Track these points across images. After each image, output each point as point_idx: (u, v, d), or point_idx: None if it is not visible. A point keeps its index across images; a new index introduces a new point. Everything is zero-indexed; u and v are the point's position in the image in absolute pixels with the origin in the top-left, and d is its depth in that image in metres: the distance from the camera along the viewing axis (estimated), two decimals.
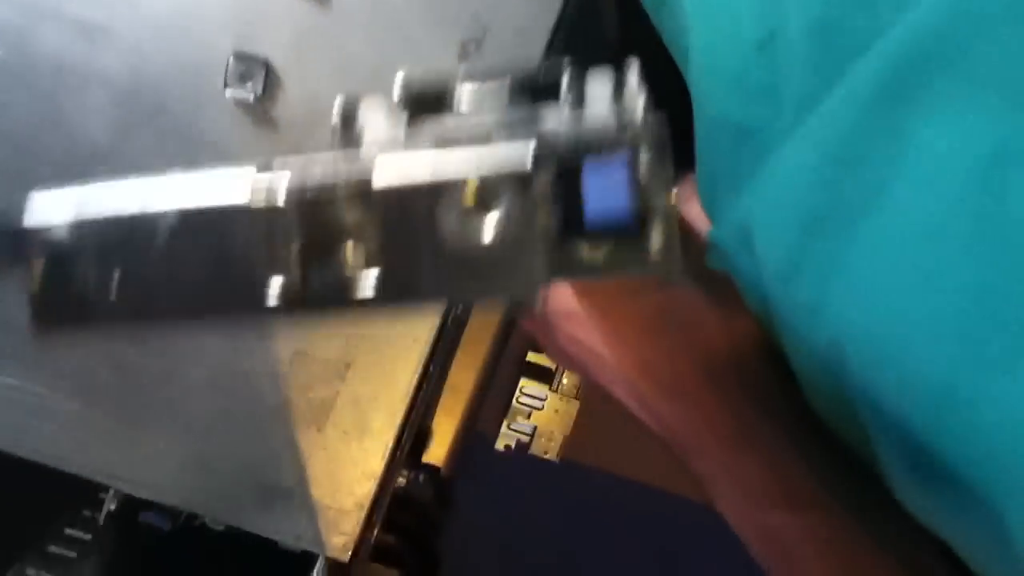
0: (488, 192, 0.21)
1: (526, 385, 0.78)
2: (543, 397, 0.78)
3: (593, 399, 0.78)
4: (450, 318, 0.50)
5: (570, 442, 0.77)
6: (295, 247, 0.22)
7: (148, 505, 0.49)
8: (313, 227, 0.22)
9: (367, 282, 0.21)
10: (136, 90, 0.48)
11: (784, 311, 0.40)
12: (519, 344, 0.76)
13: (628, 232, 0.21)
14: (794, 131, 0.34)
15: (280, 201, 0.22)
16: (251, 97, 0.47)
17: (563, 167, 0.21)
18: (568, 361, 0.51)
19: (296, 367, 0.49)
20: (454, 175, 0.21)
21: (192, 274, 0.22)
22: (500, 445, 0.77)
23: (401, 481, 0.51)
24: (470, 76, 0.23)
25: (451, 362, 0.54)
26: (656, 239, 0.21)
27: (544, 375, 0.79)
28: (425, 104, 0.24)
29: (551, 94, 0.23)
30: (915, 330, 0.30)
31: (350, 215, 0.22)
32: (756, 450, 0.42)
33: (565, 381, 0.78)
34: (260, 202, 0.22)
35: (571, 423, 0.77)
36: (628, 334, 0.45)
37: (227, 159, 0.47)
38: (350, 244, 0.22)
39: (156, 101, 0.48)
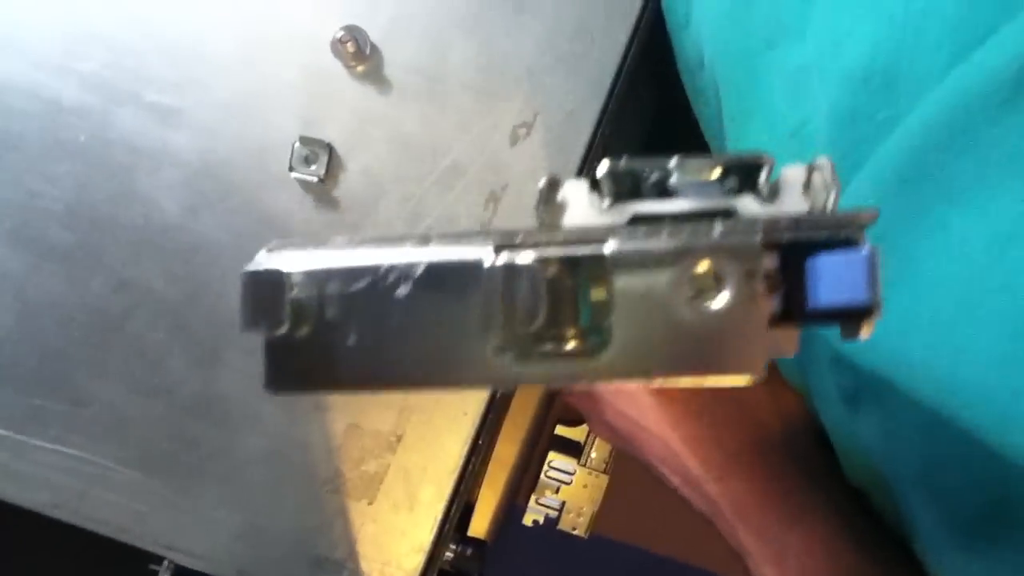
0: (716, 276, 0.22)
1: (555, 459, 0.78)
2: (572, 471, 0.78)
3: (622, 474, 0.78)
4: (499, 392, 0.51)
5: (599, 517, 0.77)
6: (534, 314, 0.22)
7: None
8: (551, 295, 0.23)
9: (602, 357, 0.22)
10: (206, 170, 0.50)
11: (826, 394, 0.41)
12: (549, 417, 0.76)
13: (850, 320, 0.22)
14: None
15: (529, 259, 0.22)
16: (315, 179, 0.49)
17: (788, 251, 0.22)
18: (614, 436, 0.52)
19: (349, 439, 0.50)
20: (690, 249, 0.22)
21: (426, 335, 0.23)
22: (528, 520, 0.76)
23: (448, 555, 0.51)
24: (676, 165, 0.24)
25: (497, 435, 0.55)
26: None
27: (573, 449, 0.79)
28: (623, 190, 0.25)
29: (747, 183, 0.24)
30: (951, 399, 0.31)
31: (583, 286, 0.23)
32: (804, 525, 0.42)
33: (594, 455, 0.78)
34: (509, 261, 0.22)
35: (600, 498, 0.76)
36: (677, 410, 0.46)
37: (292, 236, 0.50)
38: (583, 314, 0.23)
39: (225, 181, 0.50)
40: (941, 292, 0.31)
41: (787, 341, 0.24)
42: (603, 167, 0.24)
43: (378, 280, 0.23)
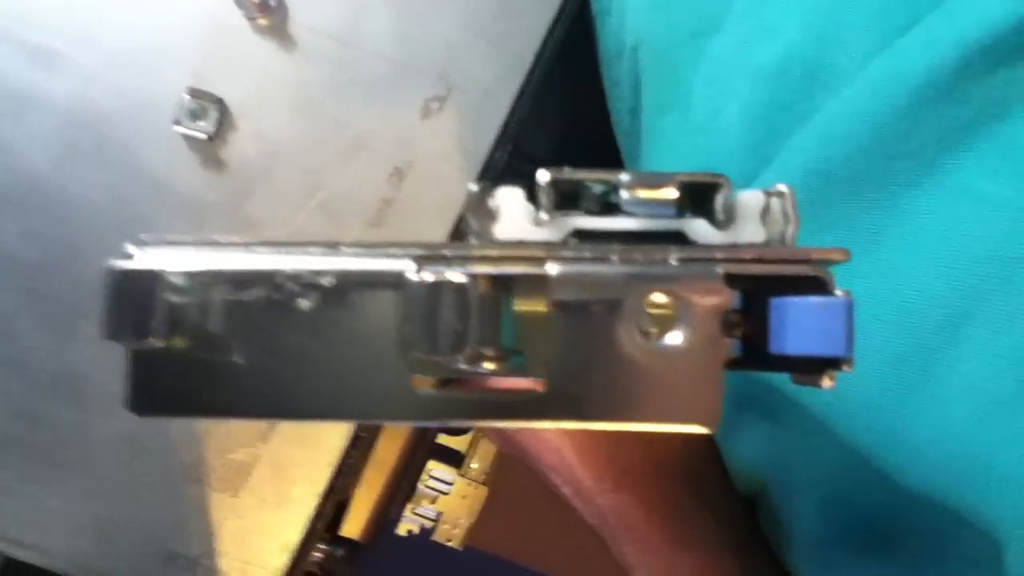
0: (671, 310, 0.19)
1: (434, 468, 0.75)
2: (451, 481, 0.75)
3: (502, 486, 0.75)
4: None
5: (475, 529, 0.74)
6: (461, 341, 0.19)
7: (35, 571, 0.44)
8: (483, 318, 0.19)
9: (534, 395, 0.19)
10: (82, 120, 0.45)
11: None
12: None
13: (814, 369, 0.19)
14: None
15: (461, 278, 0.19)
16: (203, 136, 0.45)
17: (752, 287, 0.20)
18: (506, 442, 0.49)
19: (216, 426, 0.46)
20: (644, 277, 0.19)
21: (330, 358, 0.19)
22: (403, 530, 0.73)
23: (317, 555, 0.48)
24: (634, 180, 0.21)
25: (380, 431, 0.51)
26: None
27: (454, 458, 0.76)
28: (563, 201, 0.22)
29: (700, 206, 0.21)
30: (842, 415, 0.32)
31: (523, 313, 0.20)
32: (693, 550, 0.41)
33: (475, 466, 0.76)
34: (438, 276, 0.19)
35: (478, 510, 0.74)
36: None
37: (172, 198, 0.45)
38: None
39: (102, 133, 0.45)
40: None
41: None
42: (544, 175, 0.21)
43: (276, 289, 0.19)
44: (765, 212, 0.22)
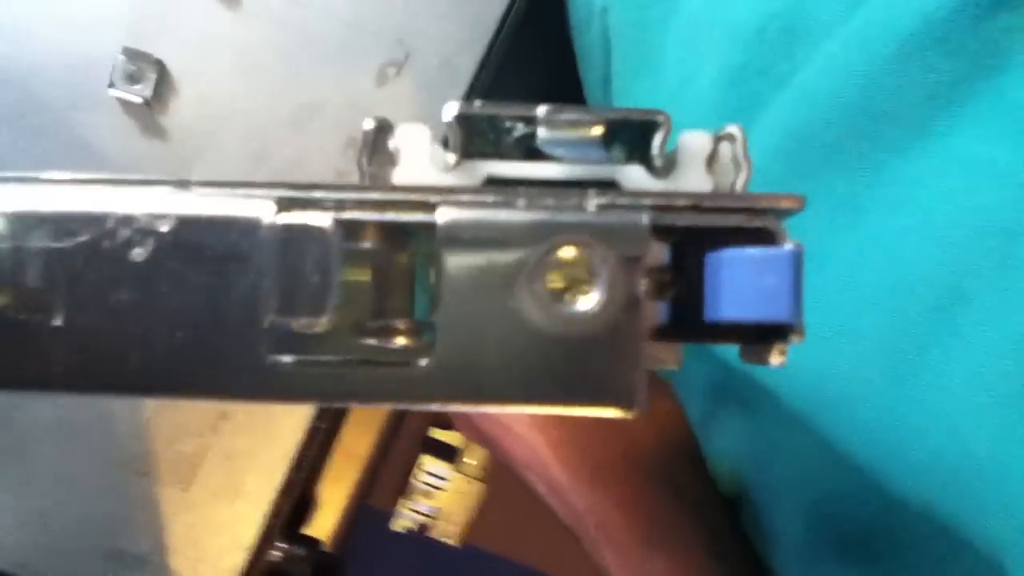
0: (584, 267, 0.16)
1: (427, 463, 0.72)
2: (446, 477, 0.72)
3: (499, 482, 0.72)
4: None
5: (473, 527, 0.71)
6: (321, 301, 0.16)
7: None
8: (359, 272, 0.17)
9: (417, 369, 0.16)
10: (6, 81, 0.42)
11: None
12: (419, 417, 0.70)
13: (759, 341, 0.16)
14: None
15: (325, 222, 0.16)
16: (140, 100, 0.41)
17: (684, 241, 0.17)
18: (480, 437, 0.47)
19: (162, 414, 0.43)
20: (552, 226, 0.16)
21: (169, 320, 0.16)
22: (398, 526, 0.70)
23: (276, 554, 0.44)
24: (552, 114, 0.17)
25: (343, 421, 0.48)
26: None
27: (447, 453, 0.73)
28: (480, 145, 0.18)
29: (639, 149, 0.18)
30: (828, 412, 0.29)
31: (403, 270, 0.17)
32: (669, 553, 0.39)
33: (472, 461, 0.72)
34: (298, 221, 0.16)
35: (475, 506, 0.71)
36: (551, 416, 0.42)
37: (106, 166, 0.42)
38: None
39: (30, 95, 0.42)
40: (823, 277, 0.28)
41: (669, 354, 0.18)
42: (451, 109, 0.18)
43: (105, 235, 0.16)
44: (713, 159, 0.18)
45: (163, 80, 0.42)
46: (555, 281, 0.16)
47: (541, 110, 0.18)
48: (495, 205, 0.16)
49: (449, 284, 0.16)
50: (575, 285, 0.16)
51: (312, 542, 0.47)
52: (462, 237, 0.16)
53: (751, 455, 0.36)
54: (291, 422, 0.43)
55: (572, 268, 0.16)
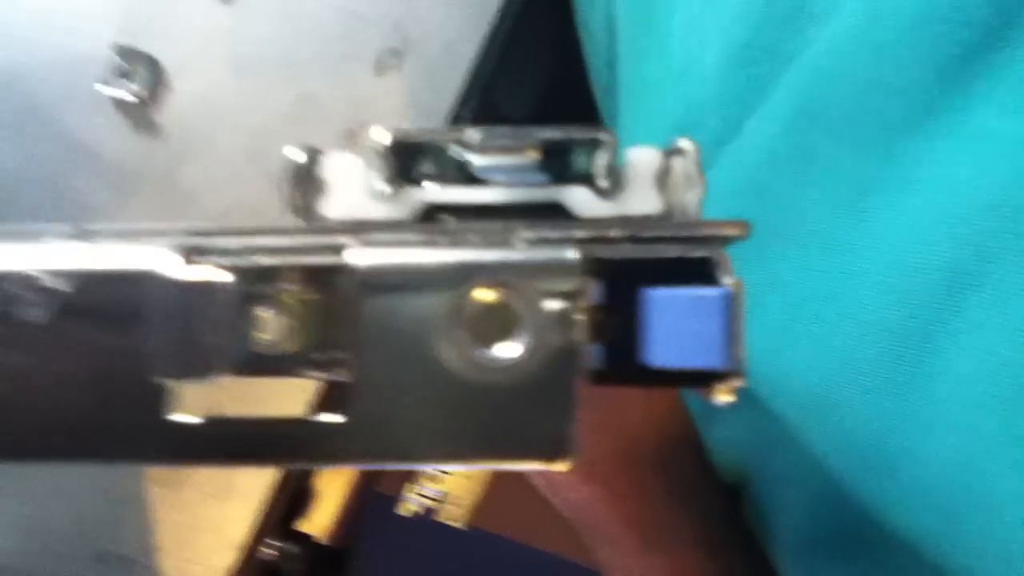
0: (503, 312, 0.15)
1: None
2: None
3: None
4: None
5: (480, 509, 0.71)
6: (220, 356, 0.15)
7: None
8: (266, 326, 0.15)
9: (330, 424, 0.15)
10: (3, 82, 0.41)
11: None
12: None
13: (700, 383, 0.15)
14: (713, 164, 0.32)
15: (227, 277, 0.15)
16: (134, 99, 0.41)
17: (613, 284, 0.15)
18: None
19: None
20: (469, 268, 0.15)
21: (71, 384, 0.15)
22: (405, 511, 0.70)
23: (270, 552, 0.44)
24: (485, 139, 0.16)
25: None
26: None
27: None
28: (410, 168, 0.17)
29: (584, 170, 0.17)
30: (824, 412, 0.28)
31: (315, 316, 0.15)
32: (666, 551, 0.38)
33: None
34: (198, 277, 0.15)
35: (482, 489, 0.70)
36: None
37: (97, 165, 0.41)
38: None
39: (21, 97, 0.41)
40: (828, 262, 0.27)
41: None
42: (379, 135, 0.17)
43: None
44: (664, 175, 0.17)
45: (157, 77, 0.41)
46: (478, 326, 0.15)
47: (473, 135, 0.16)
48: (415, 244, 0.15)
49: (366, 331, 0.15)
50: (499, 329, 0.15)
51: (307, 539, 0.46)
52: (377, 281, 0.15)
53: (752, 445, 0.35)
54: (289, 413, 0.43)
55: (495, 312, 0.15)
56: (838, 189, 0.27)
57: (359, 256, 0.15)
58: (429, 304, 0.15)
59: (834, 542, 0.31)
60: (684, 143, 0.17)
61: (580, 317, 0.15)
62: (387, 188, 0.17)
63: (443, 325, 0.15)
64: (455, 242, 0.15)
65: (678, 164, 0.17)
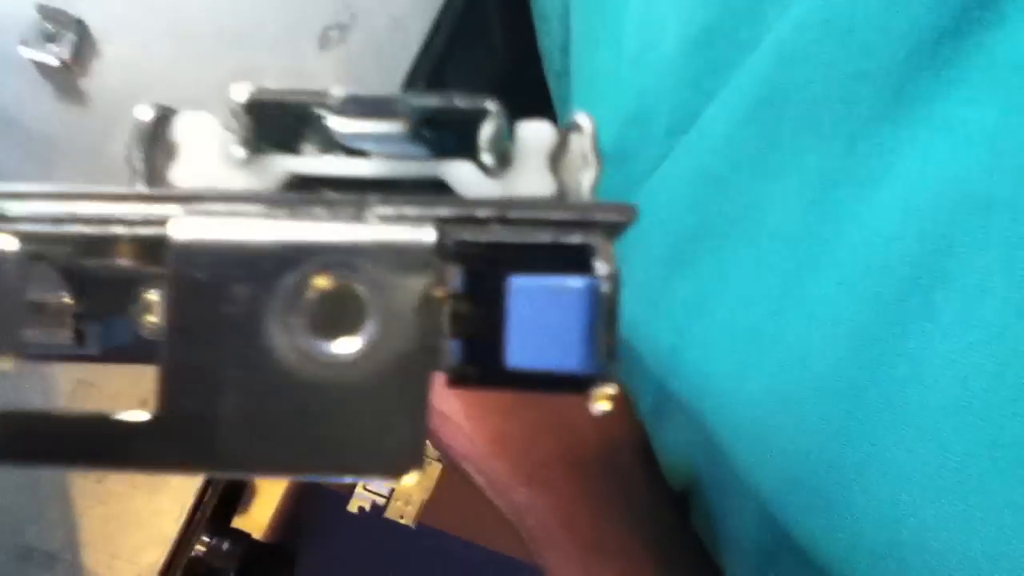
0: (350, 298, 0.13)
1: None
2: None
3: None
4: None
5: (428, 507, 0.69)
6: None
7: None
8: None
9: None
10: None
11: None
12: None
13: (567, 388, 0.13)
14: (668, 153, 0.31)
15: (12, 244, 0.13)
16: (58, 63, 0.38)
17: (478, 271, 0.14)
18: None
19: (77, 400, 0.40)
20: (310, 249, 0.13)
21: None
22: (354, 507, 0.68)
23: (200, 549, 0.42)
24: (348, 102, 0.14)
25: None
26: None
27: None
28: (275, 133, 0.15)
29: (463, 143, 0.15)
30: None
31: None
32: (614, 559, 0.37)
33: (429, 442, 0.70)
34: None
35: (431, 487, 0.68)
36: (490, 405, 0.39)
37: (18, 133, 0.39)
38: None
39: None
40: (794, 258, 0.26)
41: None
42: (239, 93, 0.15)
43: None
44: (559, 154, 0.15)
45: (83, 41, 0.39)
46: (317, 315, 0.12)
47: (336, 95, 0.14)
48: (253, 216, 0.13)
49: (182, 315, 0.12)
50: (342, 321, 0.12)
51: (244, 536, 0.44)
52: (199, 258, 0.12)
53: (702, 448, 0.33)
54: None
55: (337, 299, 0.12)
56: (801, 181, 0.26)
57: (180, 229, 0.13)
58: (258, 287, 0.12)
59: (785, 551, 0.29)
60: (581, 118, 0.14)
61: (436, 308, 0.12)
62: (241, 152, 0.15)
63: (275, 313, 0.12)
64: (296, 215, 0.13)
65: (575, 142, 0.15)
